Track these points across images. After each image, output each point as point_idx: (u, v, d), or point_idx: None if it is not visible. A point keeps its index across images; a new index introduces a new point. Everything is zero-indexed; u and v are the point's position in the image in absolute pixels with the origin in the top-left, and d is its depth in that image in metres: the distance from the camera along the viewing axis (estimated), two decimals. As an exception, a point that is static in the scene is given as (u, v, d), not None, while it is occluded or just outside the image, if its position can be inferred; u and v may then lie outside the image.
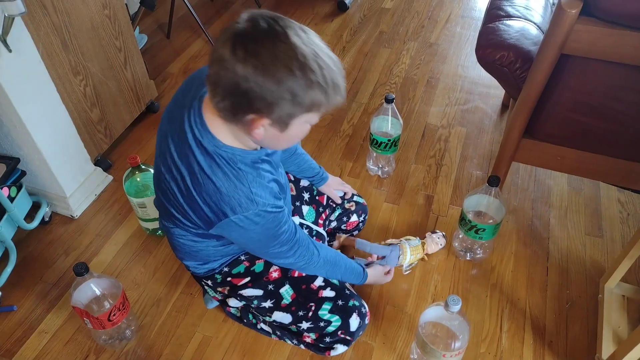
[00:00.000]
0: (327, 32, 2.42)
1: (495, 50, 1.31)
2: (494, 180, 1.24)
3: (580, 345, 1.27)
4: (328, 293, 1.15)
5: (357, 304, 1.17)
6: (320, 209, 1.35)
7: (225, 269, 1.14)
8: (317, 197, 1.35)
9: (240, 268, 1.14)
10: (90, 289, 1.17)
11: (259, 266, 1.15)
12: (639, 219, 1.55)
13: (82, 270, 1.11)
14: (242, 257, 1.15)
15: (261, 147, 0.95)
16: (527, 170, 1.73)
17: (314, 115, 0.82)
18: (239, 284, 1.15)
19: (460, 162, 1.76)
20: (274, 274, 1.15)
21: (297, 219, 1.27)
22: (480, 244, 1.42)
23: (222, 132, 0.88)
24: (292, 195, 1.28)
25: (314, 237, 1.27)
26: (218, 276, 1.15)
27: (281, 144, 0.90)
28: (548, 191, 1.66)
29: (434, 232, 1.46)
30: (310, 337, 1.18)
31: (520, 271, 1.43)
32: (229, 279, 1.15)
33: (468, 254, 1.45)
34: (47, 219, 1.59)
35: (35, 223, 1.51)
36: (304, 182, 1.35)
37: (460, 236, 1.44)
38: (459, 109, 1.98)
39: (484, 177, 1.71)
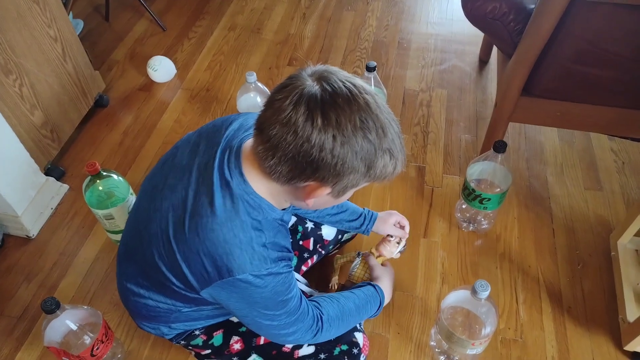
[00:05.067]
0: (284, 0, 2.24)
1: (485, 3, 1.19)
2: (501, 146, 1.14)
3: (599, 308, 1.22)
4: (305, 351, 0.98)
5: (344, 348, 0.98)
6: (305, 255, 1.16)
7: (182, 342, 1.01)
8: (300, 243, 1.16)
9: (198, 341, 1.00)
10: (65, 324, 1.01)
11: (217, 339, 1.00)
12: (634, 167, 1.51)
13: (52, 306, 0.95)
14: (197, 332, 1.00)
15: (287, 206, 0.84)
16: (516, 128, 1.65)
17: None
18: (202, 353, 1.02)
19: (447, 127, 1.66)
20: (236, 345, 0.99)
21: None
22: (485, 214, 1.33)
23: (256, 182, 0.76)
24: None
25: None
26: (175, 342, 1.02)
27: (326, 206, 0.81)
28: (540, 148, 1.59)
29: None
30: None
31: (527, 236, 1.37)
32: (190, 347, 1.03)
33: (471, 225, 1.37)
34: (-2, 244, 1.39)
35: (-15, 250, 1.32)
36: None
37: (463, 206, 1.35)
38: (436, 70, 1.87)
39: (473, 141, 1.62)
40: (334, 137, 0.66)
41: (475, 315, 1.01)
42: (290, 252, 0.83)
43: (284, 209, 0.82)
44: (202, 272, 0.76)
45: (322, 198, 0.75)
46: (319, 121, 0.65)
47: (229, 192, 0.75)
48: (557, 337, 1.18)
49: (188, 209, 0.76)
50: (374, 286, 1.05)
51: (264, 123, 0.69)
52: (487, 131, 1.42)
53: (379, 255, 1.15)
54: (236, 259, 0.74)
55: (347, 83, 0.68)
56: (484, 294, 0.92)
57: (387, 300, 1.08)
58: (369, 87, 0.71)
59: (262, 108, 0.71)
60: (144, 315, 0.95)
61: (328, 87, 0.67)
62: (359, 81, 0.70)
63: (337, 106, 0.66)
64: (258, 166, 0.74)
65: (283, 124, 0.67)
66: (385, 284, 1.09)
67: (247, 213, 0.75)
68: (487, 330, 0.99)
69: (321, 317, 0.91)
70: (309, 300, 0.91)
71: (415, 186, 1.50)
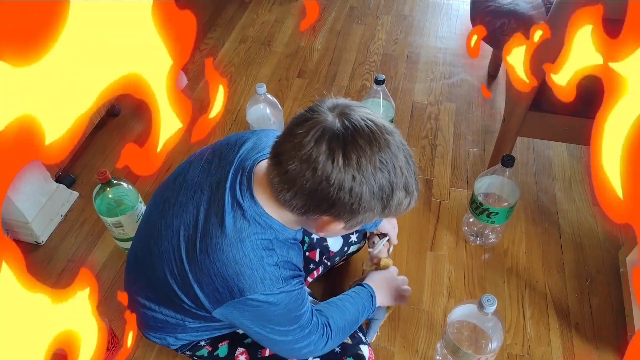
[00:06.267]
0: (294, 12, 2.26)
1: (494, 19, 1.20)
2: (509, 160, 1.14)
3: (607, 324, 1.21)
4: None
5: None
6: (311, 266, 1.16)
7: (188, 352, 1.01)
8: (307, 254, 1.15)
9: (203, 352, 1.00)
10: (72, 331, 1.02)
11: (222, 350, 1.00)
12: (644, 183, 1.50)
13: (60, 313, 0.96)
14: (203, 343, 1.00)
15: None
16: (524, 142, 1.65)
17: None
18: None
19: (455, 140, 1.67)
20: (241, 357, 0.99)
21: None
22: (492, 228, 1.33)
23: (267, 206, 0.77)
24: None
25: None
26: (181, 352, 1.03)
27: (336, 235, 0.83)
28: (549, 163, 1.59)
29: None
30: None
31: (534, 251, 1.36)
32: (195, 358, 1.03)
33: (478, 239, 1.36)
34: (8, 249, 1.40)
35: (-5, 256, 1.33)
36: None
37: (471, 220, 1.34)
38: (444, 84, 1.88)
39: (481, 154, 1.62)
40: (353, 177, 0.66)
41: (481, 330, 1.01)
42: (301, 270, 0.84)
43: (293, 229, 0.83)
44: (214, 292, 0.76)
45: (333, 229, 0.75)
46: (340, 161, 0.66)
47: (240, 213, 0.76)
48: (564, 354, 1.17)
49: (199, 230, 0.77)
50: (360, 284, 1.06)
51: (282, 155, 0.69)
52: (495, 145, 1.43)
53: (375, 263, 1.16)
54: (247, 279, 0.74)
55: (369, 122, 0.68)
56: (491, 309, 0.92)
57: (378, 293, 1.06)
58: (390, 125, 0.71)
59: (280, 137, 0.72)
60: (150, 326, 0.95)
61: (350, 125, 0.67)
62: (379, 119, 0.70)
63: (359, 146, 0.66)
64: (270, 193, 0.75)
65: (303, 160, 0.67)
66: (372, 281, 1.08)
67: (257, 233, 0.76)
68: (494, 345, 0.99)
69: (328, 324, 0.91)
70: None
71: (422, 199, 1.50)
